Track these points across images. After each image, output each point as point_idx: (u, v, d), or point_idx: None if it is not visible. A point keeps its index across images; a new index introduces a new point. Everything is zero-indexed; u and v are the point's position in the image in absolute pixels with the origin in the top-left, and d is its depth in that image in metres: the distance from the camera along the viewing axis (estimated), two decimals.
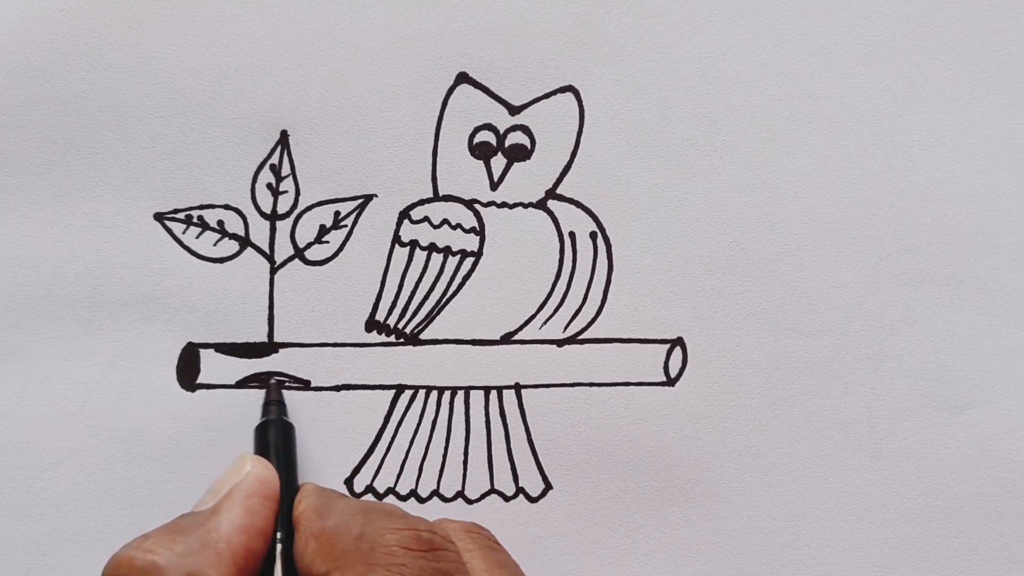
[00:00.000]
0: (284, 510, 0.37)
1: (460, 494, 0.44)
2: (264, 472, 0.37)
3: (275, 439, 0.40)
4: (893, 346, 0.45)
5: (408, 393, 0.44)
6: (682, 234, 0.44)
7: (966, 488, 0.44)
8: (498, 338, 0.44)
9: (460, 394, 0.44)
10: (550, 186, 0.44)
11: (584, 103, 0.44)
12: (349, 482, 0.44)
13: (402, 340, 0.44)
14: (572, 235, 0.44)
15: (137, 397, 0.43)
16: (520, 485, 0.44)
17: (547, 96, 0.44)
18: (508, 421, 0.44)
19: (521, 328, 0.44)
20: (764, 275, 0.45)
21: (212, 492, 0.36)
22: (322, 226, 0.44)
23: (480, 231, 0.44)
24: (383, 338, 0.44)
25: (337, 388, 0.44)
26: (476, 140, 0.44)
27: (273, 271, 0.44)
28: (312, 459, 0.43)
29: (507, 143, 0.44)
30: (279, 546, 0.36)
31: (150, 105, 0.43)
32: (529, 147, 0.44)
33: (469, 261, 0.44)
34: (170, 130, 0.43)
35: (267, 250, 0.44)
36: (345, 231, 0.44)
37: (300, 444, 0.43)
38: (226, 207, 0.44)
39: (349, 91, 0.44)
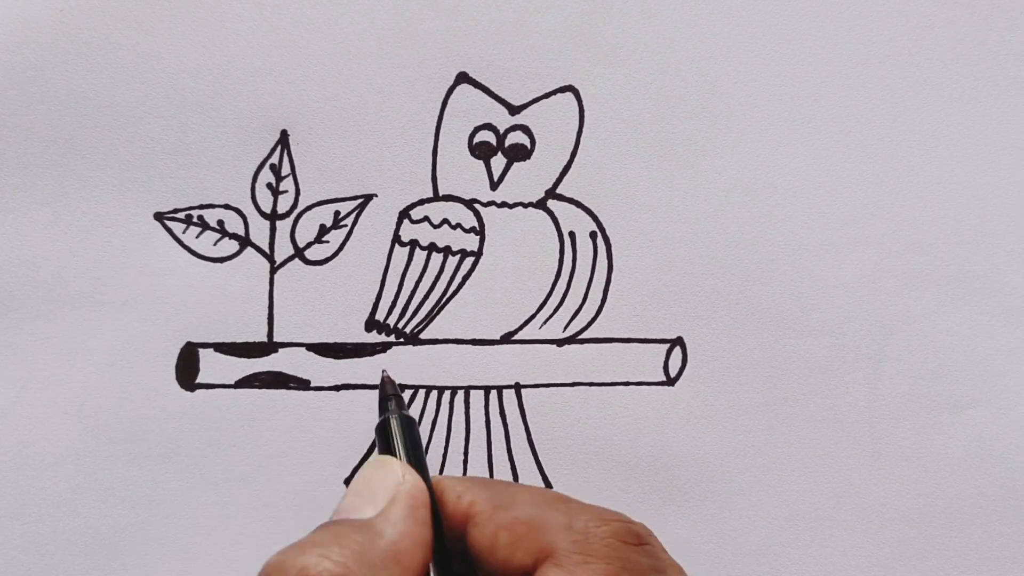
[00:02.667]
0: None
1: None
2: (418, 480, 0.34)
3: (404, 437, 0.37)
4: (893, 346, 0.45)
5: (408, 393, 0.44)
6: (682, 234, 0.44)
7: (966, 488, 0.44)
8: (498, 338, 0.44)
9: (460, 394, 0.44)
10: (550, 186, 0.44)
11: (584, 103, 0.44)
12: (349, 482, 0.43)
13: (402, 340, 0.44)
14: (572, 235, 0.44)
15: (136, 397, 0.43)
16: None
17: (547, 96, 0.44)
18: (508, 421, 0.44)
19: (521, 328, 0.44)
20: (764, 275, 0.44)
21: (364, 497, 0.34)
22: (322, 226, 0.44)
23: (480, 231, 0.44)
24: (383, 338, 0.44)
25: (337, 388, 0.44)
26: (476, 140, 0.44)
27: (273, 271, 0.44)
28: (312, 459, 0.43)
29: (507, 143, 0.44)
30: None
31: (150, 105, 0.43)
32: (529, 147, 0.44)
33: (469, 261, 0.44)
34: (170, 130, 0.43)
35: (267, 250, 0.44)
36: (345, 231, 0.44)
37: (300, 444, 0.43)
38: (226, 207, 0.44)
39: (349, 91, 0.44)
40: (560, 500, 0.33)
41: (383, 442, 0.37)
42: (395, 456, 0.35)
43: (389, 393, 0.38)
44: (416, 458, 0.36)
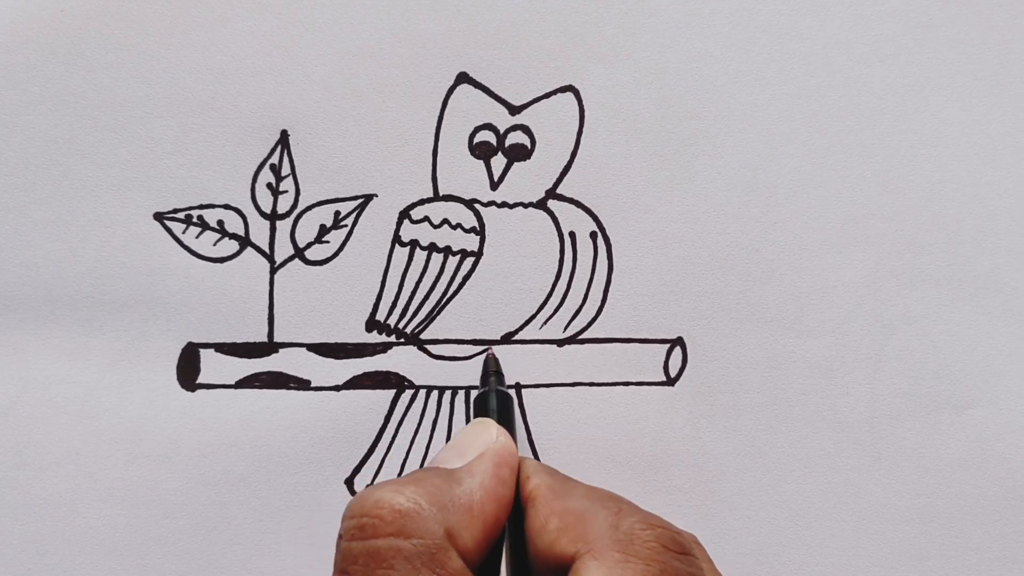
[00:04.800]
0: None
1: None
2: (510, 443, 0.36)
3: (499, 409, 0.40)
4: (893, 346, 0.45)
5: (408, 393, 0.44)
6: (682, 234, 0.44)
7: (966, 488, 0.44)
8: (498, 338, 0.44)
9: (460, 394, 0.44)
10: (550, 186, 0.44)
11: (584, 103, 0.44)
12: (349, 482, 0.44)
13: (402, 340, 0.44)
14: (572, 235, 0.44)
15: (137, 397, 0.43)
16: None
17: (547, 96, 0.44)
18: None
19: (521, 328, 0.44)
20: (764, 275, 0.45)
21: (456, 451, 0.35)
22: (322, 226, 0.44)
23: (480, 231, 0.44)
24: (383, 338, 0.44)
25: (337, 388, 0.44)
26: (476, 140, 0.44)
27: (273, 271, 0.44)
28: (312, 459, 0.43)
29: (507, 143, 0.44)
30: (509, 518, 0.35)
31: (150, 105, 0.43)
32: (529, 147, 0.44)
33: (469, 261, 0.44)
34: (170, 130, 0.43)
35: (267, 250, 0.44)
36: (345, 231, 0.44)
37: (300, 444, 0.43)
38: (226, 207, 0.44)
39: (349, 91, 0.44)
40: (613, 499, 0.34)
41: (479, 412, 0.40)
42: None
43: (492, 370, 0.42)
44: (509, 429, 0.38)
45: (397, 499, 0.32)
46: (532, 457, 0.39)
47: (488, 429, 0.36)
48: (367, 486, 0.33)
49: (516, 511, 0.35)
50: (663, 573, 0.31)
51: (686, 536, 0.34)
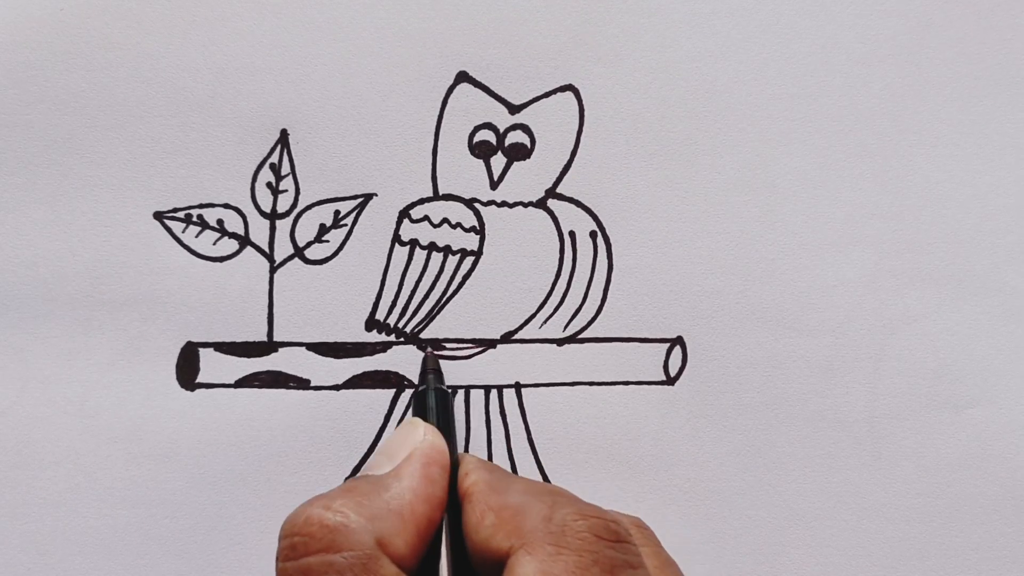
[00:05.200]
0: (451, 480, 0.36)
1: None
2: (438, 440, 0.36)
3: (436, 407, 0.40)
4: (893, 346, 0.45)
5: (408, 393, 0.44)
6: (682, 234, 0.44)
7: (966, 488, 0.44)
8: (498, 337, 0.44)
9: (460, 393, 0.44)
10: (550, 185, 0.44)
11: (584, 102, 0.44)
12: None
13: (402, 340, 0.44)
14: (572, 234, 0.44)
15: (136, 396, 0.43)
16: None
17: (547, 95, 0.44)
18: (508, 420, 0.44)
19: (521, 327, 0.44)
20: (764, 275, 0.44)
21: (386, 455, 0.36)
22: (322, 225, 0.44)
23: (480, 230, 0.44)
24: (383, 337, 0.44)
25: (337, 387, 0.44)
26: (476, 139, 0.44)
27: (273, 270, 0.44)
28: (312, 459, 0.43)
29: (507, 142, 0.44)
30: (445, 516, 0.35)
31: (150, 104, 0.43)
32: (529, 146, 0.44)
33: (469, 260, 0.44)
34: (170, 129, 0.43)
35: (267, 249, 0.44)
36: (345, 230, 0.44)
37: (300, 444, 0.43)
38: (226, 206, 0.44)
39: (349, 91, 0.44)
40: (549, 492, 0.34)
41: (416, 411, 0.40)
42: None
43: (430, 367, 0.42)
44: (444, 426, 0.38)
45: (325, 515, 0.32)
46: (472, 454, 0.39)
47: (416, 429, 0.36)
48: (300, 504, 0.33)
49: (453, 509, 0.35)
50: (596, 563, 0.31)
51: (624, 522, 0.34)
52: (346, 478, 0.43)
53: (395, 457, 0.35)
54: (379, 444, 0.36)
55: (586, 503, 0.34)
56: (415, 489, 0.34)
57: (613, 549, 0.32)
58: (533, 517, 0.33)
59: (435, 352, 0.43)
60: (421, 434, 0.36)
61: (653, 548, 0.35)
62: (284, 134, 0.44)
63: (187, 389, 0.43)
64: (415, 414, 0.40)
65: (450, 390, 0.44)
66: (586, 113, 0.44)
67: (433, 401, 0.40)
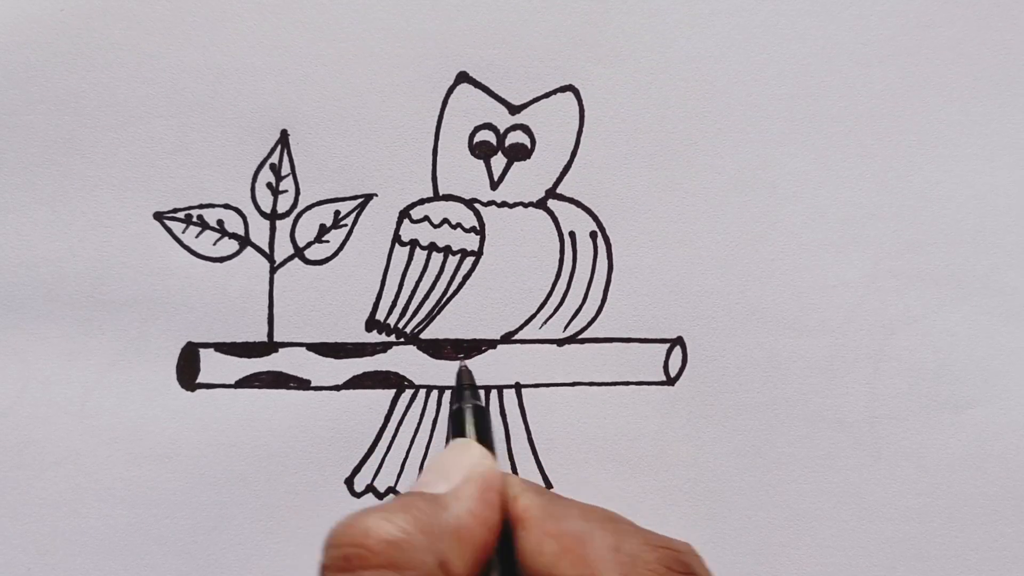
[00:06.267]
0: None
1: None
2: (495, 465, 0.35)
3: (476, 426, 0.39)
4: (893, 346, 0.45)
5: (408, 393, 0.44)
6: (682, 234, 0.44)
7: (966, 488, 0.44)
8: (498, 338, 0.44)
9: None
10: (550, 185, 0.44)
11: (584, 102, 0.44)
12: (349, 482, 0.43)
13: (402, 340, 0.44)
14: (572, 235, 0.44)
15: (137, 397, 0.43)
16: None
17: (547, 96, 0.44)
18: (508, 420, 0.44)
19: (521, 328, 0.44)
20: (764, 275, 0.44)
21: (439, 473, 0.34)
22: (322, 225, 0.44)
23: (480, 230, 0.44)
24: (383, 338, 0.44)
25: (337, 388, 0.44)
26: (476, 139, 0.44)
27: (273, 270, 0.44)
28: (312, 459, 0.43)
29: (507, 142, 0.44)
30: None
31: (150, 105, 0.43)
32: (529, 146, 0.44)
33: (469, 260, 0.44)
34: (170, 130, 0.43)
35: (267, 249, 0.44)
36: (345, 230, 0.44)
37: (300, 444, 0.43)
38: (226, 206, 0.44)
39: (349, 91, 0.44)
40: (610, 519, 0.34)
41: (457, 429, 0.39)
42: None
43: (465, 384, 0.42)
44: (487, 445, 0.37)
45: (386, 527, 0.30)
46: (514, 475, 0.39)
47: (470, 450, 0.36)
48: (350, 513, 0.31)
49: (503, 533, 0.34)
50: None
51: (685, 552, 0.33)
52: (345, 479, 0.43)
53: (450, 477, 0.34)
54: (427, 462, 0.35)
55: (649, 531, 0.34)
56: (475, 512, 0.33)
57: None
58: (599, 546, 0.32)
59: (467, 369, 0.43)
60: (477, 455, 0.35)
61: None
62: (284, 134, 0.44)
63: (187, 389, 0.43)
64: (454, 432, 0.39)
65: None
66: (586, 113, 0.44)
67: (472, 419, 0.39)
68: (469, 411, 0.39)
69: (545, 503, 0.34)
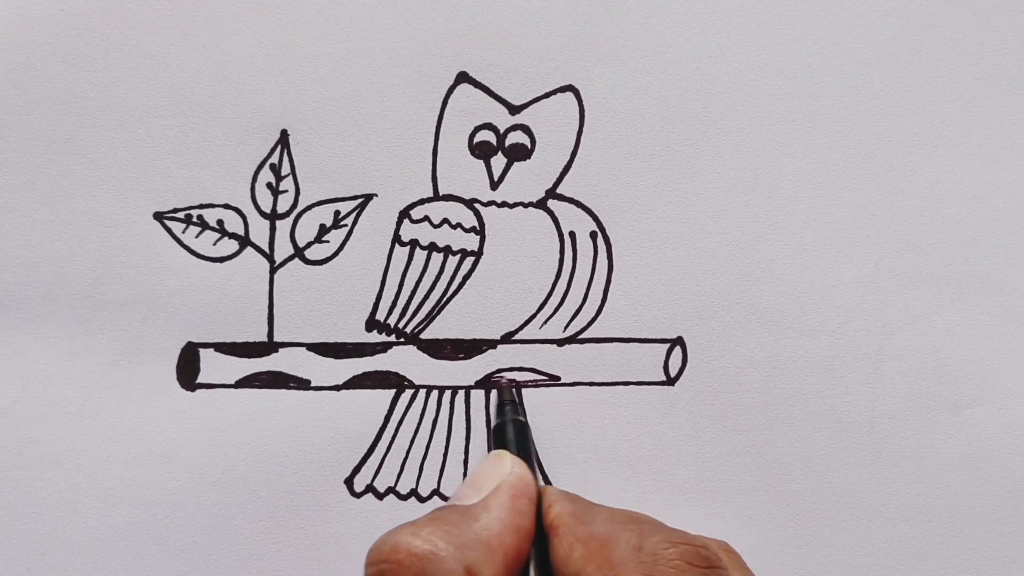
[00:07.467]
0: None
1: None
2: (526, 473, 0.36)
3: (516, 441, 0.40)
4: (893, 346, 0.45)
5: (408, 393, 0.44)
6: (682, 234, 0.44)
7: (966, 488, 0.44)
8: (498, 338, 0.44)
9: (460, 393, 0.44)
10: (550, 186, 0.44)
11: (584, 103, 0.44)
12: (349, 482, 0.43)
13: (402, 340, 0.44)
14: (572, 235, 0.44)
15: (137, 397, 0.43)
16: None
17: (547, 96, 0.44)
18: None
19: (521, 328, 0.44)
20: (764, 275, 0.45)
21: (473, 487, 0.36)
22: (322, 225, 0.44)
23: (480, 230, 0.44)
24: (383, 338, 0.44)
25: (337, 388, 0.44)
26: (476, 140, 0.44)
27: (273, 271, 0.44)
28: (312, 459, 0.43)
29: (507, 142, 0.44)
30: (533, 548, 0.35)
31: (150, 105, 0.43)
32: (529, 146, 0.44)
33: (469, 261, 0.44)
34: (170, 130, 0.43)
35: (267, 249, 0.44)
36: (345, 230, 0.44)
37: (300, 444, 0.43)
38: (226, 206, 0.44)
39: (349, 91, 0.44)
40: (634, 520, 0.34)
41: (498, 442, 0.40)
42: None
43: (507, 399, 0.42)
44: (525, 458, 0.38)
45: (414, 542, 0.32)
46: (553, 486, 0.39)
47: (503, 461, 0.37)
48: (386, 531, 0.33)
49: (540, 541, 0.35)
50: None
51: (712, 547, 0.34)
52: (345, 479, 0.44)
53: (482, 489, 0.35)
54: (466, 476, 0.36)
55: (673, 529, 0.34)
56: (504, 520, 0.34)
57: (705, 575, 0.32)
58: (622, 547, 0.33)
59: (513, 383, 0.44)
60: (508, 466, 0.36)
61: (742, 572, 0.35)
62: (284, 134, 0.44)
63: (187, 389, 0.43)
64: (496, 446, 0.40)
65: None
66: (586, 113, 0.44)
67: (513, 434, 0.40)
68: (510, 426, 0.40)
69: (576, 510, 0.35)
